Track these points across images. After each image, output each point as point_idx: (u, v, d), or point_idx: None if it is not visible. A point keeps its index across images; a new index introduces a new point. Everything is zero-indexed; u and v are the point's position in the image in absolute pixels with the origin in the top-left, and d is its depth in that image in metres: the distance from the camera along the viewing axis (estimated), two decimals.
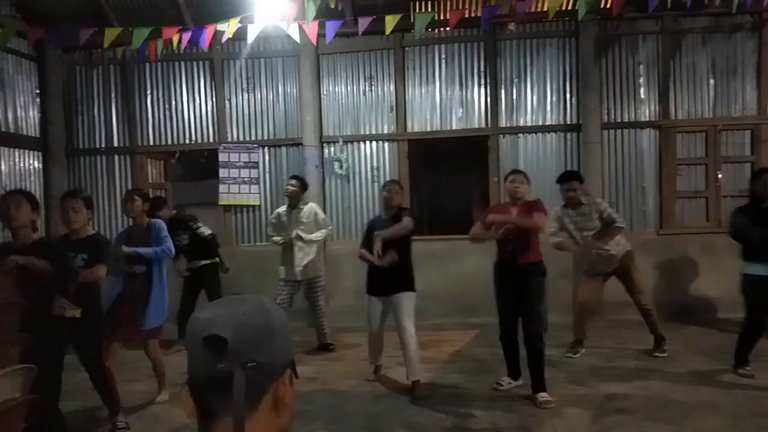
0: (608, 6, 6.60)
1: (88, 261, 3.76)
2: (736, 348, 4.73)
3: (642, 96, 7.14)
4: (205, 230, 6.20)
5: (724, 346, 5.21)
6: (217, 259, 6.29)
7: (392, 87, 7.37)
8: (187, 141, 7.68)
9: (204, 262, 6.18)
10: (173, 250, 4.62)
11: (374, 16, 5.42)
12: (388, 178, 7.29)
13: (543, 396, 4.23)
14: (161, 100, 7.68)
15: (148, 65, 7.59)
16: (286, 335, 0.94)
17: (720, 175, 7.05)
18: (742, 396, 4.24)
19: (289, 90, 7.48)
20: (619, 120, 7.14)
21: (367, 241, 4.74)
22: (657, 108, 7.12)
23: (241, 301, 0.93)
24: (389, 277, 4.64)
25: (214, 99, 7.58)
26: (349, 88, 7.45)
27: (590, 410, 4.08)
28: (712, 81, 7.10)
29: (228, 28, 5.49)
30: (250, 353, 0.86)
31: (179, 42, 5.67)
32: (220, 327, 0.86)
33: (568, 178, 5.41)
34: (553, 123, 7.21)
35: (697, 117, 7.11)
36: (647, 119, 7.13)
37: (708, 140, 7.08)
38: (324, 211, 7.35)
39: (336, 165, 7.34)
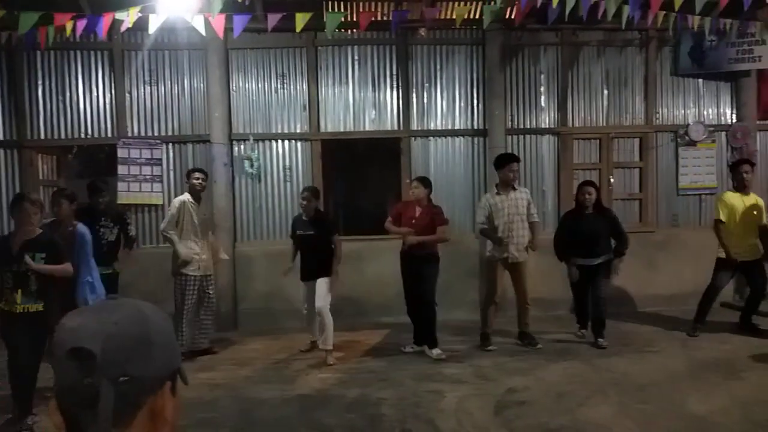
0: (512, 17, 6.91)
1: (47, 259, 3.97)
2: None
3: (543, 104, 7.54)
4: (133, 229, 5.99)
5: (616, 337, 5.65)
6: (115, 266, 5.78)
7: (305, 86, 7.29)
8: (83, 135, 7.17)
9: (106, 271, 5.42)
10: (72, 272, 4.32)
11: (284, 13, 5.33)
12: (301, 178, 7.25)
13: (436, 351, 5.43)
14: (54, 90, 7.11)
15: (39, 53, 7.01)
16: (166, 345, 0.88)
17: (612, 180, 7.59)
18: (630, 385, 4.58)
19: (195, 84, 7.19)
20: (522, 126, 7.50)
21: (293, 236, 5.84)
22: (556, 115, 7.55)
23: (115, 308, 0.86)
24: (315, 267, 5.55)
25: (113, 91, 7.13)
26: (260, 85, 7.28)
27: (492, 403, 4.25)
28: (605, 91, 7.63)
29: (127, 17, 5.18)
30: (122, 367, 0.80)
31: (73, 30, 5.29)
32: (86, 339, 0.79)
33: (511, 159, 5.83)
34: (462, 128, 7.44)
35: (592, 125, 7.60)
36: (547, 126, 7.54)
37: (601, 147, 7.60)
38: (234, 211, 7.16)
39: (246, 164, 7.15)
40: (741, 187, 5.97)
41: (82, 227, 4.78)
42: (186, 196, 5.77)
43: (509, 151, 7.39)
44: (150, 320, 0.86)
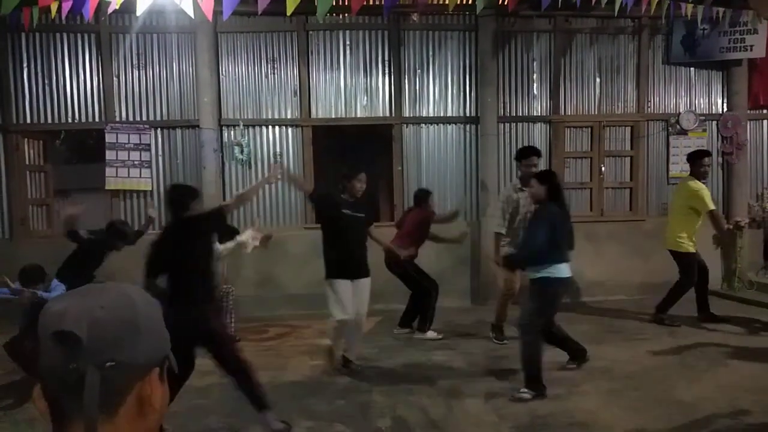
0: (505, 2, 6.85)
1: None
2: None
3: (535, 92, 7.51)
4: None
5: (605, 325, 5.68)
6: None
7: (296, 71, 7.21)
8: (70, 120, 7.07)
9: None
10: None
11: None
12: (291, 165, 7.19)
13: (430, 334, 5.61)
14: (40, 74, 6.99)
15: (24, 35, 6.87)
16: (154, 330, 0.85)
17: (603, 168, 7.60)
18: (619, 373, 4.62)
19: (184, 68, 7.09)
20: (514, 114, 7.48)
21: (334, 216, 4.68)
22: (548, 103, 7.53)
23: (102, 291, 0.83)
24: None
25: (100, 75, 7.02)
26: (250, 70, 7.19)
27: (483, 390, 4.26)
28: (597, 80, 7.62)
29: None
30: (108, 352, 0.77)
31: (58, 11, 5.16)
32: (71, 322, 0.76)
33: (532, 152, 5.42)
34: (454, 115, 7.40)
35: (584, 113, 7.60)
36: (539, 114, 7.53)
37: (593, 135, 7.60)
38: (223, 197, 7.09)
39: (236, 149, 7.08)
40: (703, 177, 5.98)
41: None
42: None
43: (501, 139, 7.38)
44: (138, 305, 0.83)
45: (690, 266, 5.93)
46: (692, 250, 5.92)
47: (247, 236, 5.21)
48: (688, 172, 6.08)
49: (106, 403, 0.78)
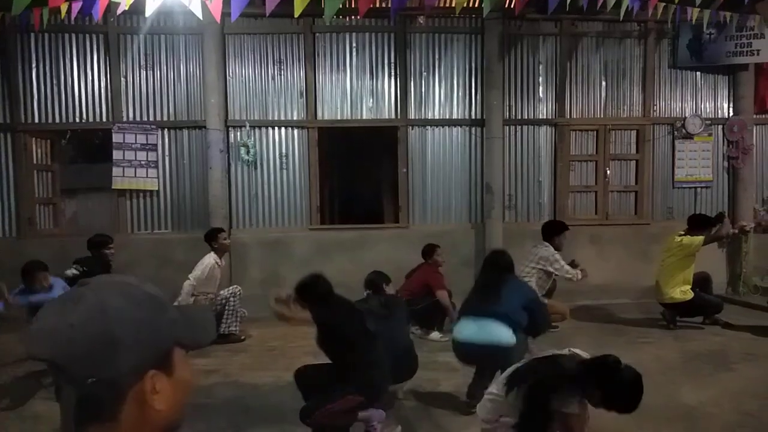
0: (512, 5, 6.87)
1: None
2: None
3: (540, 95, 7.52)
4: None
5: (611, 327, 5.67)
6: None
7: (302, 73, 7.23)
8: (78, 120, 7.11)
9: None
10: None
11: None
12: (297, 166, 7.23)
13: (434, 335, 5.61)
14: (48, 74, 7.05)
15: (33, 35, 6.93)
16: (140, 334, 0.80)
17: (608, 172, 7.59)
18: None
19: (191, 69, 7.13)
20: (519, 117, 7.48)
21: None
22: (554, 106, 7.53)
23: (76, 303, 0.79)
24: None
25: (108, 76, 7.06)
26: (256, 71, 7.23)
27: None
28: (603, 83, 7.61)
29: (124, 0, 5.10)
30: (86, 369, 0.76)
31: (68, 12, 5.20)
32: (41, 345, 0.77)
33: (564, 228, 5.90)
34: (460, 117, 7.41)
35: (590, 116, 7.60)
36: (545, 117, 7.53)
37: (598, 138, 7.59)
38: (229, 198, 7.12)
39: (243, 150, 7.11)
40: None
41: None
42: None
43: (506, 142, 7.38)
44: (110, 315, 0.78)
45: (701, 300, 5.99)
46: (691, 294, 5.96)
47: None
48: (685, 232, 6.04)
49: (100, 414, 0.79)
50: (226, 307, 5.78)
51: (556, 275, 5.68)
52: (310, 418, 3.23)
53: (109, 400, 0.79)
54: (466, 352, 3.86)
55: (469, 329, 3.77)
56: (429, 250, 6.07)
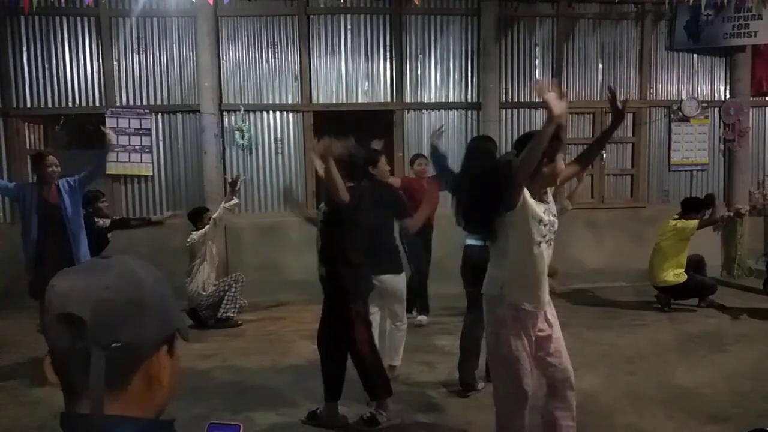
0: None
1: None
2: None
3: (537, 77, 7.47)
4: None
5: (605, 310, 5.70)
6: None
7: (297, 55, 7.16)
8: (71, 104, 7.03)
9: None
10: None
11: None
12: (292, 150, 7.20)
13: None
14: (40, 57, 6.94)
15: (23, 18, 6.81)
16: (161, 308, 0.84)
17: (605, 155, 7.58)
18: (618, 357, 4.64)
19: (185, 53, 7.04)
20: (515, 100, 7.44)
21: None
22: (550, 89, 7.46)
23: (106, 268, 0.81)
24: None
25: (100, 59, 6.97)
26: (251, 54, 7.14)
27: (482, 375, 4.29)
28: (600, 65, 7.57)
29: None
30: (113, 333, 0.77)
31: None
32: (75, 304, 0.76)
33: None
34: (456, 100, 7.37)
35: (586, 99, 7.56)
36: (541, 100, 7.46)
37: (595, 122, 7.57)
38: (224, 182, 7.08)
39: (237, 135, 7.06)
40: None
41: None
42: None
43: (502, 125, 7.34)
44: (143, 283, 0.82)
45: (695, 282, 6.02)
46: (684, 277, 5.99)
47: (219, 210, 5.71)
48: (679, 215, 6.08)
49: (113, 381, 0.79)
50: (227, 293, 5.79)
51: None
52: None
53: (126, 368, 0.80)
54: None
55: None
56: (410, 161, 6.01)
